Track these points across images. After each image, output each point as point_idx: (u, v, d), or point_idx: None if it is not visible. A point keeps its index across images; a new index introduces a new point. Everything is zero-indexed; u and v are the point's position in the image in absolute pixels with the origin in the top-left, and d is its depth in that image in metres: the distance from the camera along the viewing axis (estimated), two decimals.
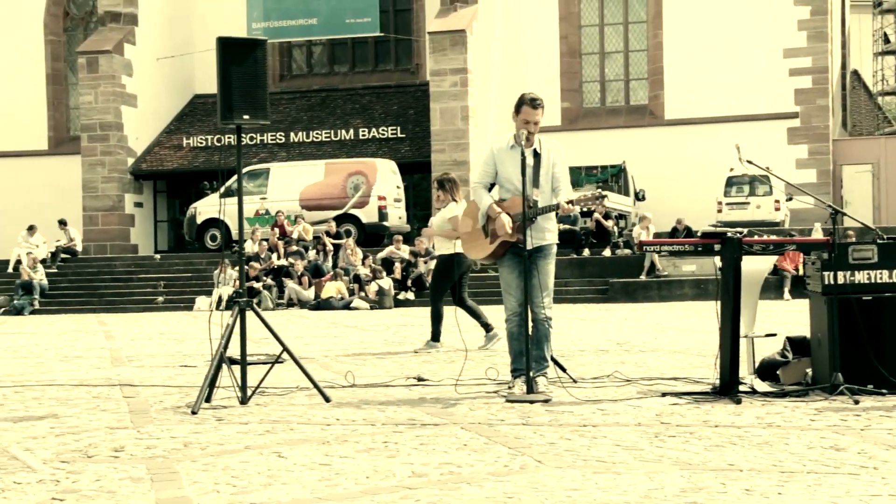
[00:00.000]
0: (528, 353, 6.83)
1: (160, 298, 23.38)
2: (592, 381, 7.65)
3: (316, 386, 6.84)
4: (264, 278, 22.35)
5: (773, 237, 7.44)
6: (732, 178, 27.43)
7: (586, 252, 23.80)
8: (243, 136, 30.61)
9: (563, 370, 7.63)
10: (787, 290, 21.07)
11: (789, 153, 29.81)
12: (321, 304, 20.81)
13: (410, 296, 21.84)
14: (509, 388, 7.10)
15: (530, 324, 7.03)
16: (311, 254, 23.48)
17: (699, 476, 4.37)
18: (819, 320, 6.77)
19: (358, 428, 5.83)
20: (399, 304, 20.98)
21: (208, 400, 6.71)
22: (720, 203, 27.19)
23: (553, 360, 7.69)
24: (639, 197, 29.63)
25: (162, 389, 7.82)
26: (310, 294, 21.74)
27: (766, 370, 7.10)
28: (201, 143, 32.04)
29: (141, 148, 32.14)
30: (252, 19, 32.14)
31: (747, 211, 26.85)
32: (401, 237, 23.66)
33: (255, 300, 22.27)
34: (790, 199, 29.18)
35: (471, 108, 29.07)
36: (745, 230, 6.68)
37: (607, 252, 24.06)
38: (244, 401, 6.70)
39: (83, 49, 31.53)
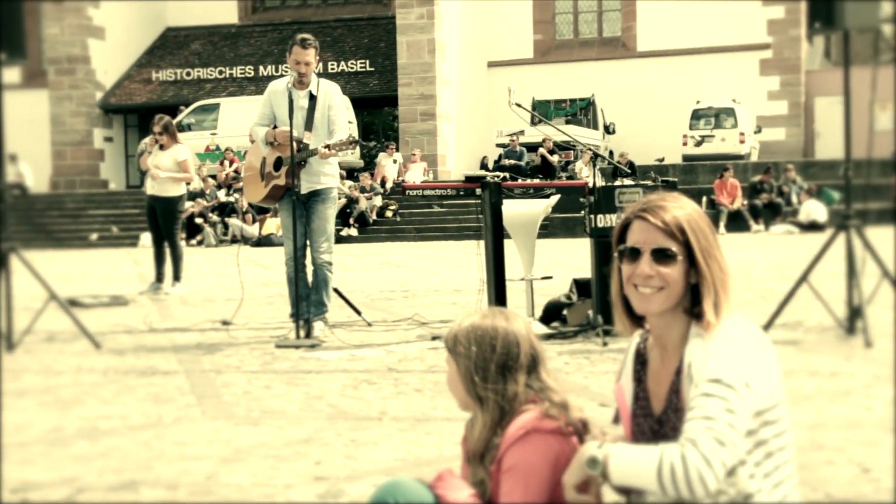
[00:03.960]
0: (298, 297, 6.76)
1: (94, 235, 23.39)
2: (391, 324, 7.56)
3: (84, 332, 6.79)
4: (210, 214, 22.28)
5: (536, 181, 7.27)
6: (698, 110, 27.02)
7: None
8: (211, 69, 29.60)
9: (359, 313, 7.55)
10: (722, 224, 20.70)
11: (761, 85, 29.36)
12: (261, 241, 20.75)
13: (353, 232, 21.72)
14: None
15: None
16: None
17: (311, 424, 4.30)
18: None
19: (83, 377, 5.78)
20: (341, 240, 20.82)
21: None
22: (686, 136, 26.81)
23: (349, 303, 7.64)
24: (609, 130, 29.18)
25: None
26: (254, 230, 21.69)
27: (553, 312, 6.98)
28: (170, 77, 31.79)
29: (110, 82, 31.91)
30: None
31: (712, 144, 26.45)
32: (344, 173, 23.48)
33: (198, 237, 22.28)
34: (759, 130, 28.77)
35: (437, 41, 28.61)
36: (504, 174, 6.49)
37: None
38: (10, 348, 6.65)
39: None
